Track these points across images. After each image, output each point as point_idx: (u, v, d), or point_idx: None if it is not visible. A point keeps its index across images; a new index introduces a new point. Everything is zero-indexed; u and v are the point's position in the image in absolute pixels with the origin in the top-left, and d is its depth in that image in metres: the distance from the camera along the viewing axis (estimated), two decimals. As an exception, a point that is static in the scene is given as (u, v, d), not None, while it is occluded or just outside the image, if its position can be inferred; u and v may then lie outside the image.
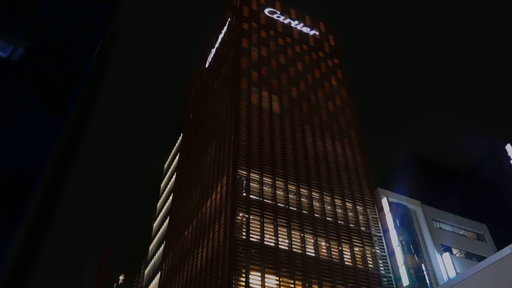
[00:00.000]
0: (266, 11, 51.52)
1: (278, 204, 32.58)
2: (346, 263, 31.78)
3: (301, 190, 34.63)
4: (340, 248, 32.53)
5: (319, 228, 32.80)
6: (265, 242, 29.75)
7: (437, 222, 40.12)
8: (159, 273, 45.11)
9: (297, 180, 35.09)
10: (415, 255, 35.96)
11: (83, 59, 20.68)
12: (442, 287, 30.94)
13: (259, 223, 30.73)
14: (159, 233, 53.86)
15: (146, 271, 54.14)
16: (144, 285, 52.01)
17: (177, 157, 57.96)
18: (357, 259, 32.69)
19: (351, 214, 35.89)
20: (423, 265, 35.58)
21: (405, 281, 32.56)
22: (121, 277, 73.02)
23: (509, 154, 66.04)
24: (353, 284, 30.57)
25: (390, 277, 33.00)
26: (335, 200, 35.77)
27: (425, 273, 35.02)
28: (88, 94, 22.28)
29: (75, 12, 22.28)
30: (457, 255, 38.29)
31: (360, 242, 33.95)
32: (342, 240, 33.11)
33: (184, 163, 52.37)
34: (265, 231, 30.38)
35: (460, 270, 35.69)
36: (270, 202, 32.38)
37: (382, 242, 35.11)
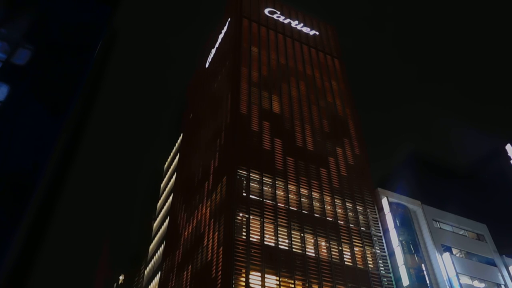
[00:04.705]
0: (266, 11, 51.53)
1: (278, 204, 32.57)
2: (346, 263, 31.77)
3: (301, 190, 34.62)
4: (340, 248, 32.52)
5: (319, 228, 32.78)
6: (265, 242, 29.73)
7: (437, 222, 40.11)
8: (159, 273, 45.11)
9: (297, 180, 35.08)
10: (415, 255, 35.96)
11: (83, 59, 20.70)
12: None
13: (259, 223, 30.72)
14: (159, 233, 53.85)
15: (146, 271, 54.14)
16: (144, 285, 52.01)
17: (177, 157, 57.95)
18: (357, 259, 32.68)
19: (351, 214, 35.88)
20: (423, 265, 35.58)
21: (405, 281, 32.56)
22: (121, 277, 73.04)
23: (509, 154, 66.18)
24: (353, 284, 30.56)
25: (390, 277, 32.99)
26: (335, 200, 35.76)
27: (425, 273, 35.02)
28: (88, 94, 22.29)
29: (75, 12, 22.29)
30: (457, 255, 38.30)
31: (360, 242, 33.95)
32: (342, 240, 33.09)
33: (184, 163, 52.37)
34: (265, 231, 30.36)
35: (460, 270, 35.70)
36: (270, 202, 32.37)
37: (382, 242, 35.11)
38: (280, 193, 33.47)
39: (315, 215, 33.56)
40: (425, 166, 69.91)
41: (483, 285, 37.31)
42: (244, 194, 31.78)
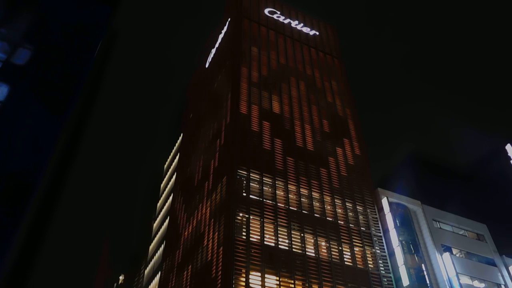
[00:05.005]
0: (266, 11, 51.53)
1: (278, 204, 32.57)
2: (346, 263, 31.77)
3: (301, 190, 34.62)
4: (340, 248, 32.52)
5: (319, 228, 32.78)
6: (265, 242, 29.74)
7: (437, 222, 40.11)
8: (159, 273, 45.11)
9: (297, 180, 35.08)
10: (415, 255, 35.96)
11: (83, 59, 20.70)
12: None
13: (259, 223, 30.72)
14: (159, 233, 53.86)
15: (146, 271, 54.14)
16: (144, 285, 52.01)
17: (177, 157, 57.96)
18: (357, 259, 32.68)
19: (351, 214, 35.88)
20: (423, 265, 35.58)
21: (405, 281, 32.56)
22: (121, 277, 73.03)
23: (509, 154, 66.19)
24: (353, 284, 30.56)
25: (390, 277, 32.99)
26: (335, 200, 35.76)
27: (425, 273, 35.02)
28: (88, 94, 22.29)
29: (75, 12, 22.30)
30: (457, 255, 38.29)
31: (360, 242, 33.95)
32: (342, 240, 33.10)
33: (184, 163, 52.38)
34: (265, 231, 30.36)
35: (460, 270, 35.70)
36: (270, 202, 32.37)
37: (382, 242, 35.11)
38: (280, 193, 33.48)
39: (315, 215, 33.56)
40: (425, 166, 69.93)
41: (483, 285, 37.31)
42: (244, 194, 31.79)
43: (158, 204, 61.93)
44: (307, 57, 49.23)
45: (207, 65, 57.29)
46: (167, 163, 66.04)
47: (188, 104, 64.58)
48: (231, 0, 54.28)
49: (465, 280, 35.69)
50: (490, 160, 70.23)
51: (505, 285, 37.87)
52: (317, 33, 53.79)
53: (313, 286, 28.98)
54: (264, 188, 33.01)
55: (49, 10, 21.73)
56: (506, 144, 66.78)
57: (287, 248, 30.22)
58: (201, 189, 39.57)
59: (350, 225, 34.73)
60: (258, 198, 32.01)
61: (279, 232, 30.82)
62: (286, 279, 28.53)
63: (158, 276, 45.59)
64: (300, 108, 41.89)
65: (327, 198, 35.48)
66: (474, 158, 76.90)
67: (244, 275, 27.22)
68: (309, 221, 32.75)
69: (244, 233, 29.47)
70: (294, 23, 52.60)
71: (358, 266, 32.21)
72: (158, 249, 50.75)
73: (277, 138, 37.36)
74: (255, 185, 32.84)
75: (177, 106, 79.36)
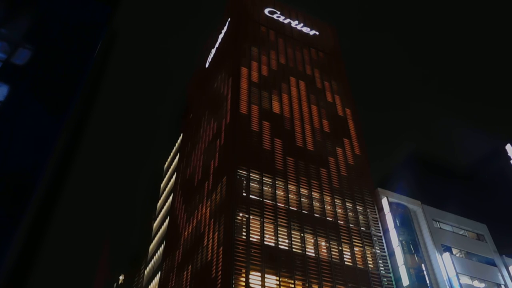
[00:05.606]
0: (266, 11, 51.54)
1: (278, 204, 32.56)
2: (346, 263, 31.76)
3: (301, 190, 34.62)
4: (340, 248, 32.52)
5: (319, 228, 32.78)
6: (265, 242, 29.73)
7: (437, 222, 40.11)
8: (159, 273, 45.11)
9: (297, 180, 35.08)
10: (415, 255, 35.96)
11: (83, 59, 20.71)
12: None
13: (259, 223, 30.72)
14: (159, 233, 53.85)
15: (146, 271, 54.13)
16: (144, 285, 52.00)
17: (177, 157, 57.96)
18: (357, 259, 32.68)
19: (351, 214, 35.88)
20: (423, 265, 35.57)
21: (405, 281, 32.56)
22: (121, 277, 73.00)
23: (509, 154, 66.24)
24: (353, 284, 30.55)
25: (390, 277, 32.99)
26: (335, 200, 35.76)
27: (425, 273, 35.01)
28: (88, 94, 22.31)
29: (75, 12, 22.31)
30: (457, 255, 38.29)
31: (360, 242, 33.95)
32: (342, 240, 33.09)
33: (184, 163, 52.39)
34: (265, 231, 30.36)
35: (460, 270, 35.70)
36: (270, 202, 32.37)
37: (382, 242, 35.11)
38: (280, 193, 33.47)
39: (315, 215, 33.55)
40: (425, 166, 69.96)
41: (483, 285, 37.31)
42: (244, 194, 31.78)
43: (158, 204, 61.91)
44: (307, 57, 49.23)
45: (207, 65, 57.29)
46: (167, 163, 66.03)
47: (188, 104, 64.58)
48: (231, 0, 54.29)
49: (465, 280, 35.68)
50: (490, 160, 70.28)
51: (505, 285, 37.87)
52: (317, 33, 53.79)
53: (313, 286, 28.97)
54: (264, 188, 33.00)
55: (49, 10, 21.74)
56: (506, 144, 66.83)
57: (287, 248, 30.21)
58: (201, 189, 39.57)
59: (350, 225, 34.72)
60: (258, 198, 32.01)
61: (279, 232, 30.82)
62: (286, 279, 28.53)
63: (158, 276, 45.58)
64: (300, 108, 41.89)
65: (327, 198, 35.48)
66: (474, 158, 76.98)
67: (244, 275, 27.21)
68: (309, 221, 32.75)
69: (244, 233, 29.46)
70: (294, 23, 52.60)
71: (358, 266, 32.21)
72: (158, 249, 50.74)
73: (277, 138, 37.36)
74: (255, 185, 32.84)
75: (177, 106, 79.36)
